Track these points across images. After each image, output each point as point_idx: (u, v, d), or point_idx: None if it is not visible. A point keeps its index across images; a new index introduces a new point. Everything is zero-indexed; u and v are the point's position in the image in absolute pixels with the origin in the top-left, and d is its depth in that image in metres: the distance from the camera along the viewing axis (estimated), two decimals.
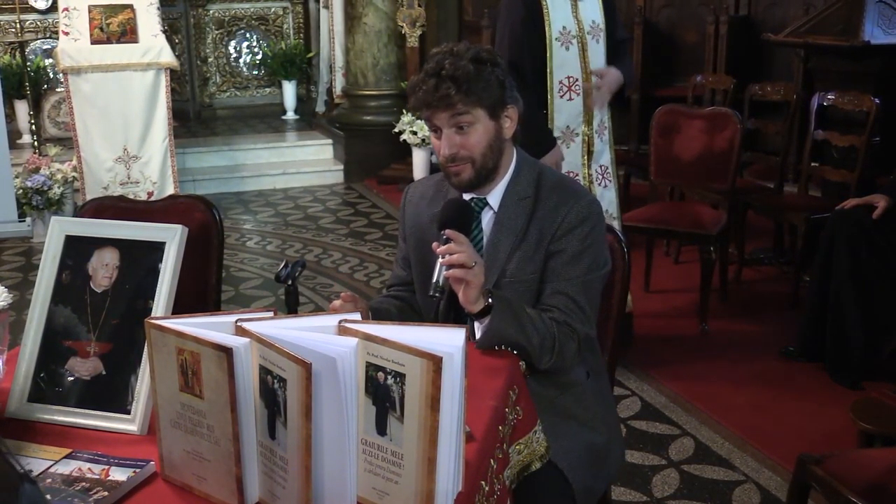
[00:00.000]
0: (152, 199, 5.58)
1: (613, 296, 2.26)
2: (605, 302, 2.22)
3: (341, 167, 7.64)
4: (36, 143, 6.74)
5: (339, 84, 8.15)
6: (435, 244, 1.82)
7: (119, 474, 1.44)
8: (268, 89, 9.59)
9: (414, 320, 2.08)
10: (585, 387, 2.06)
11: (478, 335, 1.89)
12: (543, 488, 1.87)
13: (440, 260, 1.79)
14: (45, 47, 8.30)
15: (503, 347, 1.89)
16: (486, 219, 2.02)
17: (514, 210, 1.99)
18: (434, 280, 1.79)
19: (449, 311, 2.02)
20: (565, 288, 1.94)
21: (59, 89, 7.37)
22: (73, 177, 5.90)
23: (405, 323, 1.43)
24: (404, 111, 7.03)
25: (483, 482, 1.51)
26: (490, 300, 1.84)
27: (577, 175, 3.56)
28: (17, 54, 7.45)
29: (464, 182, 1.96)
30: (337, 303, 1.87)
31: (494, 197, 2.01)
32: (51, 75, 7.97)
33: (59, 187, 5.83)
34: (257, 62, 9.51)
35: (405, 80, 7.37)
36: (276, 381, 1.30)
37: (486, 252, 1.99)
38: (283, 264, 1.94)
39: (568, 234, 1.94)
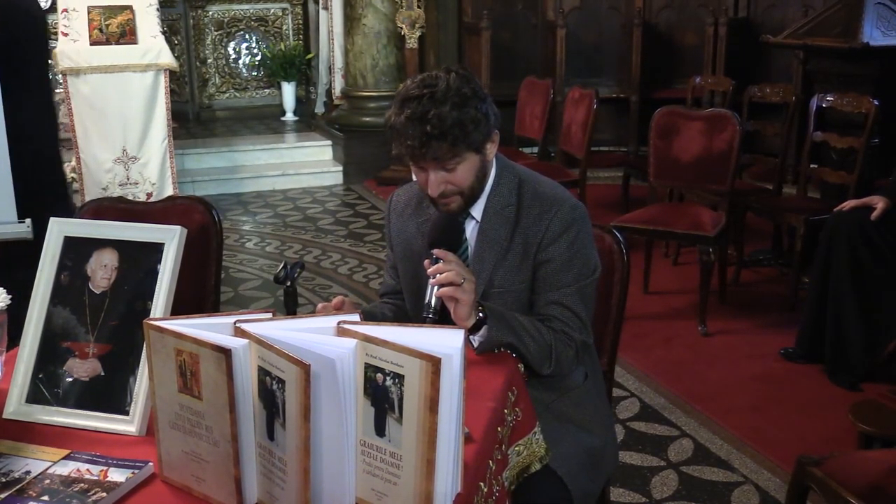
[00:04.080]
0: (151, 200, 5.59)
1: (613, 297, 2.26)
2: (604, 304, 2.22)
3: (340, 168, 7.64)
4: None
5: (338, 85, 8.15)
6: (427, 262, 1.82)
7: (117, 475, 1.44)
8: (267, 90, 9.60)
9: None
10: (583, 389, 2.06)
11: (474, 347, 1.88)
12: (542, 493, 1.87)
13: (431, 280, 1.79)
14: None
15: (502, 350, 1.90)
16: (470, 229, 2.01)
17: (497, 220, 1.97)
18: (427, 301, 1.80)
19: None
20: (559, 297, 1.93)
21: (58, 90, 7.35)
22: (72, 178, 5.89)
23: (404, 324, 1.43)
24: None
25: (482, 483, 1.51)
26: (481, 314, 1.83)
27: None
28: None
29: (453, 212, 1.95)
30: (325, 304, 1.85)
31: (477, 208, 1.99)
32: (50, 76, 7.96)
33: None
34: (256, 63, 9.51)
35: (404, 81, 7.35)
36: (274, 382, 1.30)
37: (471, 263, 1.98)
38: (281, 265, 1.94)
39: (554, 242, 1.93)
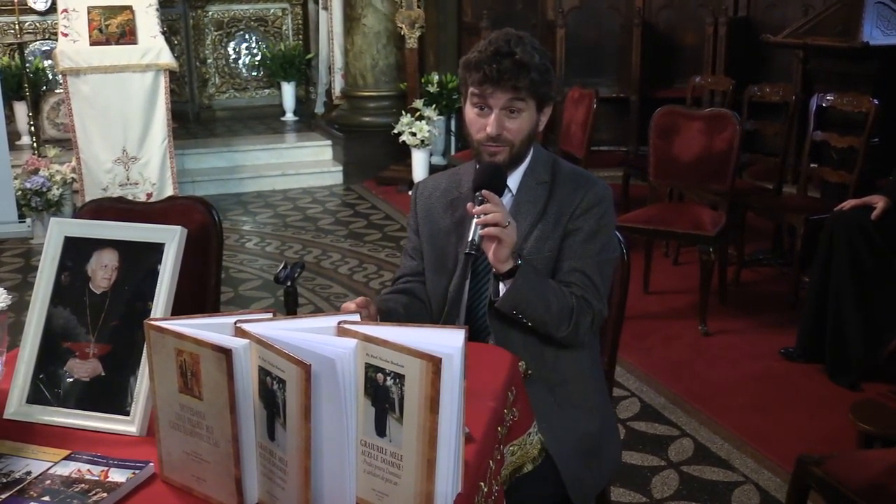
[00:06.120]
0: (151, 200, 5.59)
1: (613, 297, 2.26)
2: None
3: (340, 168, 7.65)
4: (35, 144, 6.74)
5: (338, 85, 8.15)
6: (470, 204, 1.89)
7: (118, 475, 1.44)
8: (267, 91, 9.60)
9: (421, 314, 2.14)
10: (586, 376, 2.10)
11: (497, 299, 1.96)
12: (533, 478, 1.87)
13: (475, 220, 1.86)
14: (44, 49, 8.30)
15: (521, 318, 1.96)
16: (504, 202, 2.06)
17: (531, 193, 2.07)
18: (469, 238, 1.87)
19: (459, 293, 2.07)
20: (581, 266, 2.01)
21: (58, 91, 7.37)
22: (73, 178, 5.90)
23: (405, 324, 1.44)
24: (403, 112, 7.03)
25: (482, 483, 1.51)
26: (519, 261, 1.91)
27: None
28: (17, 56, 7.44)
29: (497, 162, 2.03)
30: (350, 305, 1.89)
31: (513, 180, 2.08)
32: (50, 77, 7.96)
33: (58, 189, 5.83)
34: (256, 63, 9.51)
35: (404, 81, 7.37)
36: (275, 382, 1.30)
37: None
38: (282, 265, 1.94)
39: (585, 213, 2.03)
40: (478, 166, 2.05)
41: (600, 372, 2.20)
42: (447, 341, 1.31)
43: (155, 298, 1.66)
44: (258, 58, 9.48)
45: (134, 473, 1.45)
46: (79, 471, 1.46)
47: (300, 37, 9.58)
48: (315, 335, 1.34)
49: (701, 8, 7.33)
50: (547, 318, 1.95)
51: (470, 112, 2.02)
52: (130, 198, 4.47)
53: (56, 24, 6.54)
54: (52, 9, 7.73)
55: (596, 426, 2.08)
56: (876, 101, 4.30)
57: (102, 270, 1.71)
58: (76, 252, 1.74)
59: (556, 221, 2.04)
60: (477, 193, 1.89)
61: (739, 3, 7.22)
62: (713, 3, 7.22)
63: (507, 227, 1.86)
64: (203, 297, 2.53)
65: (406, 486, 1.31)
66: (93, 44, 5.69)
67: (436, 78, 7.25)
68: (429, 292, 2.16)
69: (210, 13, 9.33)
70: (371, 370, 1.32)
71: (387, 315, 2.04)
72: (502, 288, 1.94)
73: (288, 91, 9.19)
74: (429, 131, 6.83)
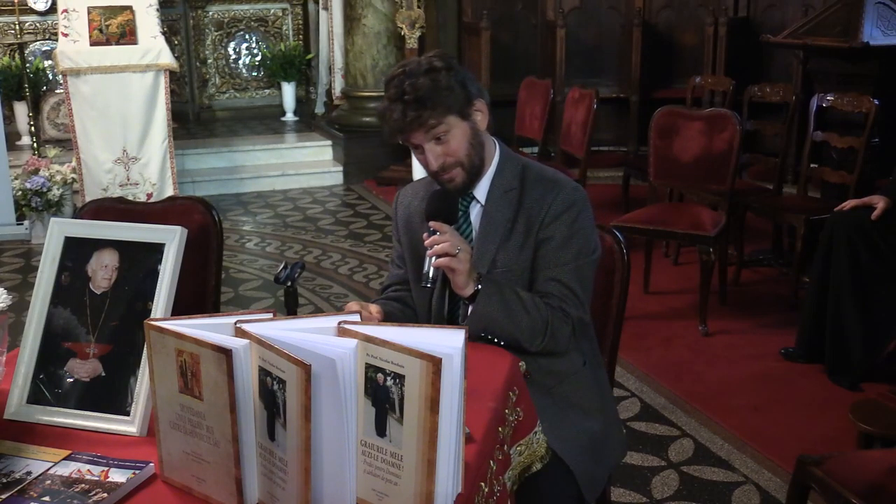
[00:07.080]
0: (151, 200, 5.59)
1: (613, 297, 2.26)
2: (604, 304, 2.22)
3: (340, 168, 7.65)
4: (35, 144, 6.74)
5: (338, 85, 8.15)
6: (425, 235, 1.89)
7: (118, 476, 1.44)
8: (267, 91, 9.59)
9: (413, 321, 2.13)
10: (581, 374, 2.09)
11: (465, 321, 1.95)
12: (546, 477, 1.87)
13: (428, 252, 1.86)
14: (44, 49, 8.30)
15: (492, 338, 1.94)
16: (475, 213, 2.06)
17: (500, 202, 2.03)
18: (425, 271, 1.88)
19: (442, 303, 2.07)
20: (557, 274, 1.98)
21: (58, 91, 7.37)
22: (73, 178, 5.90)
23: (405, 324, 1.44)
24: None
25: (483, 483, 1.51)
26: (479, 286, 1.90)
27: None
28: (17, 56, 7.45)
29: (459, 186, 2.00)
30: (354, 305, 1.91)
31: (481, 190, 2.05)
32: (50, 77, 7.96)
33: (58, 189, 5.83)
34: (256, 64, 9.51)
35: None
36: (275, 382, 1.30)
37: (475, 245, 2.03)
38: (282, 266, 1.94)
39: (555, 220, 1.98)
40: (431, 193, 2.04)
41: (598, 367, 2.17)
42: (447, 341, 1.31)
43: (155, 298, 1.66)
44: (258, 58, 9.48)
45: (134, 473, 1.45)
46: (79, 471, 1.46)
47: (300, 37, 9.57)
48: (315, 335, 1.34)
49: (701, 8, 7.34)
50: (518, 335, 1.93)
51: (414, 153, 2.01)
52: (130, 198, 4.47)
53: (56, 24, 6.54)
54: (52, 9, 7.74)
55: (598, 423, 2.07)
56: (876, 101, 4.29)
57: (102, 270, 1.71)
58: (76, 252, 1.74)
59: (528, 231, 2.00)
60: (428, 223, 1.90)
61: (739, 3, 7.23)
62: (713, 3, 7.23)
63: (458, 254, 1.85)
64: (203, 298, 2.53)
65: (406, 487, 1.31)
66: (93, 44, 5.69)
67: None
68: (414, 298, 2.15)
69: (210, 13, 9.33)
70: (371, 370, 1.32)
71: (388, 318, 2.04)
72: (471, 310, 1.93)
73: (288, 91, 9.19)
74: None
